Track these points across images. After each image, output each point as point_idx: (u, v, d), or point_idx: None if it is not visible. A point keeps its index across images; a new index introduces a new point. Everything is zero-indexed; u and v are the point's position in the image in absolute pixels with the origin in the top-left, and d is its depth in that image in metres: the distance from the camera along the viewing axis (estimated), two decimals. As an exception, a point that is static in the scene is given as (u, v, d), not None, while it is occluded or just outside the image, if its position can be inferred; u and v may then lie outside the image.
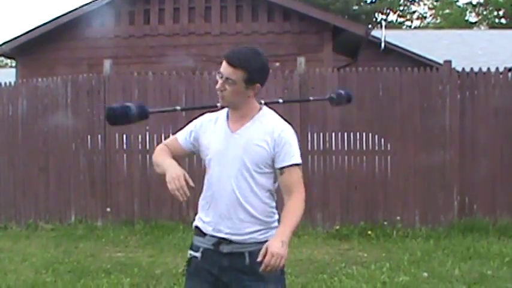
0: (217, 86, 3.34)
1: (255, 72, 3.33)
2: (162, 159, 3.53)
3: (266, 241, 3.19)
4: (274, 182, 3.42)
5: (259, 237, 3.35)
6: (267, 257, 3.05)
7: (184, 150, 3.62)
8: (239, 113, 3.40)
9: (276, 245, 3.08)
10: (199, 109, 3.78)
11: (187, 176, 3.29)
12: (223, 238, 3.35)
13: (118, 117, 3.59)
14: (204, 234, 3.41)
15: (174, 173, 3.29)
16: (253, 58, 3.34)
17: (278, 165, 3.34)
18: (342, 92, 4.29)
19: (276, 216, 3.44)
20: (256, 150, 3.34)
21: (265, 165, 3.35)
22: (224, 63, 3.33)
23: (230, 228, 3.34)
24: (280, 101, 3.97)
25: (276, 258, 3.05)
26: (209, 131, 3.48)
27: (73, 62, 14.27)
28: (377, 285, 7.01)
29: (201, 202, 3.51)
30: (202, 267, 3.39)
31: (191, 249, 3.48)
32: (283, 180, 3.34)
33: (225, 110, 3.48)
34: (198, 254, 3.42)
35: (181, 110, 3.66)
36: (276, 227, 3.35)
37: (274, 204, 3.45)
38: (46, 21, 14.80)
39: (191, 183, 3.27)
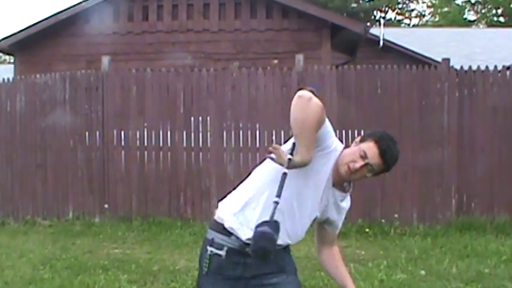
0: (356, 167, 3.27)
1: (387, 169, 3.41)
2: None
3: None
4: None
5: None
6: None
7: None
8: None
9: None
10: None
11: None
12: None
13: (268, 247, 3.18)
14: (229, 234, 3.30)
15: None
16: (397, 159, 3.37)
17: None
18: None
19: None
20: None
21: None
22: (377, 152, 3.31)
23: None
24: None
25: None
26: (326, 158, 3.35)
27: (71, 59, 14.27)
28: (374, 283, 7.01)
29: (248, 213, 3.29)
30: (226, 265, 3.32)
31: (211, 246, 3.34)
32: None
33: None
34: (222, 253, 3.30)
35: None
36: None
37: None
38: (44, 17, 14.80)
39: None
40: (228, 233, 3.32)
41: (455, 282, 7.06)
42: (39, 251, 8.79)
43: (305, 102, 3.11)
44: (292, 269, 3.43)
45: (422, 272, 7.45)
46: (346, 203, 3.51)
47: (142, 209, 10.50)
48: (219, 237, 3.35)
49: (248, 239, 3.16)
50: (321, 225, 3.57)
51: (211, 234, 3.38)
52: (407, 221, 9.96)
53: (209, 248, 3.36)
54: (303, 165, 3.11)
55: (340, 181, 3.38)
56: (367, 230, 9.69)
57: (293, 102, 3.11)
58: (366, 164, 3.27)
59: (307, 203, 3.30)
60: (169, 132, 10.59)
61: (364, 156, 3.26)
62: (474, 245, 8.78)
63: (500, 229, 9.65)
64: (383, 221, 9.93)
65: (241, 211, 3.30)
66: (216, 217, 3.41)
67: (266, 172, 3.32)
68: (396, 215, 9.97)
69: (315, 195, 3.31)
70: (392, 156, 3.31)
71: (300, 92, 3.14)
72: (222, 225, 3.34)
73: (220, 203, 3.48)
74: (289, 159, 3.08)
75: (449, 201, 10.05)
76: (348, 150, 3.34)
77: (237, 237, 3.29)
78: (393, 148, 3.32)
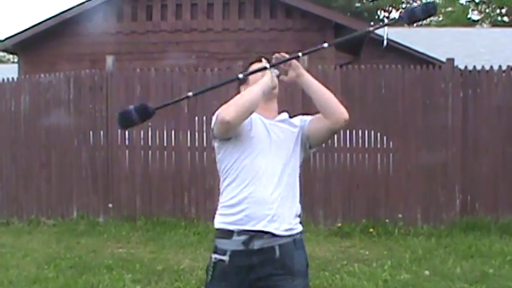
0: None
1: None
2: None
3: (294, 234, 3.40)
4: None
5: (292, 222, 3.44)
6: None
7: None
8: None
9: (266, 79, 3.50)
10: (211, 89, 3.72)
11: None
12: (257, 231, 3.27)
13: (123, 122, 3.66)
14: (229, 236, 3.31)
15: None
16: None
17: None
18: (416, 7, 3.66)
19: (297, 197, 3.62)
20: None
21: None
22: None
23: (267, 220, 3.30)
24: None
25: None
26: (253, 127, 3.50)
27: (75, 58, 14.27)
28: (378, 283, 7.01)
29: (230, 202, 3.38)
30: (230, 271, 3.30)
31: (215, 253, 3.36)
32: None
33: None
34: (225, 258, 3.30)
35: (194, 95, 3.58)
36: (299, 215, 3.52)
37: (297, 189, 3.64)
38: (48, 17, 14.81)
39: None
40: (227, 234, 3.32)
41: (459, 283, 7.05)
42: (43, 250, 8.81)
43: None
44: (301, 269, 3.36)
45: (427, 272, 7.45)
46: (291, 120, 3.62)
47: (146, 209, 10.50)
48: (221, 243, 3.36)
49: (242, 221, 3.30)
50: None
51: (215, 242, 3.40)
52: (411, 221, 9.95)
53: (213, 256, 3.38)
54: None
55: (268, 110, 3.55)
56: (371, 230, 9.68)
57: None
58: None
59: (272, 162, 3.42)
60: (173, 132, 10.60)
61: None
62: (478, 245, 8.77)
63: (504, 229, 9.63)
64: (387, 221, 9.92)
65: (226, 205, 3.40)
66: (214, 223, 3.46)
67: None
68: (400, 215, 9.97)
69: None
70: None
71: None
72: (218, 229, 3.38)
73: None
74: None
75: (453, 202, 10.05)
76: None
77: (238, 231, 3.29)
78: None
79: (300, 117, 3.59)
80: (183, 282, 7.14)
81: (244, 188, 3.32)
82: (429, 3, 3.55)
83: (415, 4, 48.32)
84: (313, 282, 7.02)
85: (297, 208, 3.53)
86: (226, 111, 3.24)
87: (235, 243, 3.29)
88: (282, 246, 3.29)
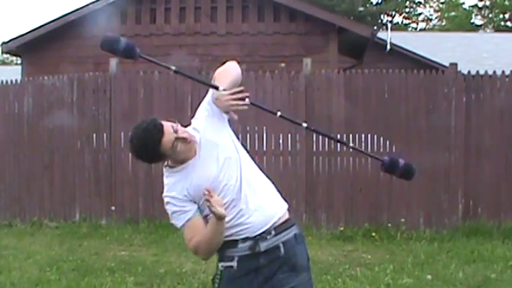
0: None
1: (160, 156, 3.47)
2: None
3: (291, 226, 3.43)
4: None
5: (278, 203, 3.46)
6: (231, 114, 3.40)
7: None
8: None
9: (219, 105, 3.41)
10: (195, 80, 3.74)
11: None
12: (260, 234, 3.32)
13: (105, 45, 3.63)
14: (235, 244, 3.34)
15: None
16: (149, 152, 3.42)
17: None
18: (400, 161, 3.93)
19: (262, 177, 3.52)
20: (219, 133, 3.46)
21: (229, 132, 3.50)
22: None
23: (261, 221, 3.34)
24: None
25: (230, 105, 3.39)
26: (185, 183, 3.49)
27: (79, 60, 14.29)
28: (380, 287, 7.01)
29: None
30: (238, 275, 3.34)
31: (222, 261, 3.39)
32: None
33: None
34: (233, 263, 3.34)
35: (175, 72, 3.64)
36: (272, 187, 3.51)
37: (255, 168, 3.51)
38: (52, 19, 14.85)
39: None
40: (232, 244, 3.36)
41: (461, 287, 7.06)
42: (46, 252, 8.82)
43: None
44: (303, 264, 3.44)
45: (429, 277, 7.44)
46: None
47: (149, 211, 10.50)
48: (227, 251, 3.38)
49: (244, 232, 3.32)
50: None
51: (220, 252, 3.42)
52: (413, 226, 9.95)
53: (219, 264, 3.41)
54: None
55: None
56: (373, 234, 9.68)
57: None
58: None
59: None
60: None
61: None
62: (481, 250, 8.76)
63: (507, 234, 9.62)
64: (389, 225, 9.92)
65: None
66: None
67: None
68: (403, 220, 9.96)
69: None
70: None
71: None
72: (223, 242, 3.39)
73: None
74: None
75: (456, 206, 10.04)
76: None
77: (243, 239, 3.33)
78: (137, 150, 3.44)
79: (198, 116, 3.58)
80: (185, 285, 7.15)
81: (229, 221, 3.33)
82: (411, 168, 3.89)
83: (418, 9, 48.43)
84: (315, 286, 7.02)
85: (272, 193, 3.51)
86: (201, 251, 3.35)
87: (241, 249, 3.34)
88: (285, 243, 3.36)
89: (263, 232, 3.32)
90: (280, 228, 3.38)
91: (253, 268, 3.32)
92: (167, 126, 3.27)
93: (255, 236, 3.32)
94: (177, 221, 3.52)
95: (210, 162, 3.33)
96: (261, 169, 3.54)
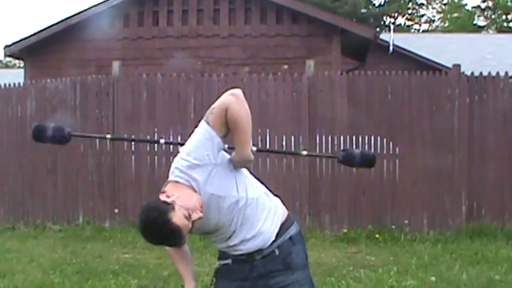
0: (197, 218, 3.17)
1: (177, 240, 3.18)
2: (178, 268, 3.64)
3: (288, 229, 3.40)
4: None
5: (275, 221, 3.38)
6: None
7: None
8: None
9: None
10: (130, 141, 3.70)
11: None
12: (255, 251, 3.36)
13: (35, 134, 3.73)
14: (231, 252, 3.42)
15: None
16: (162, 230, 3.10)
17: (218, 147, 3.27)
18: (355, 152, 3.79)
19: (260, 193, 3.43)
20: (221, 181, 3.27)
21: (230, 172, 3.32)
22: None
23: (258, 243, 3.34)
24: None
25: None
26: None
27: (81, 63, 14.31)
28: (384, 289, 7.02)
29: (218, 245, 3.45)
30: (233, 269, 3.40)
31: (219, 259, 3.46)
32: (224, 131, 3.27)
33: None
34: (228, 261, 3.41)
35: (111, 139, 3.62)
36: (270, 201, 3.43)
37: (255, 190, 3.41)
38: (55, 22, 14.87)
39: None
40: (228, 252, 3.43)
41: (465, 289, 7.06)
42: (49, 255, 8.82)
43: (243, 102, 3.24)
44: (299, 262, 3.43)
45: (433, 279, 7.42)
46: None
47: (152, 214, 10.48)
48: (224, 253, 3.45)
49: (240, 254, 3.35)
50: None
51: (219, 252, 3.48)
52: (417, 227, 9.94)
53: (217, 263, 3.48)
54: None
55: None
56: (377, 236, 9.67)
57: (237, 103, 3.20)
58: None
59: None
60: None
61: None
62: (485, 252, 8.74)
63: (511, 236, 9.60)
64: (393, 227, 9.91)
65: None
66: None
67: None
68: (406, 221, 9.95)
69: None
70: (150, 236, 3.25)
71: (236, 91, 3.24)
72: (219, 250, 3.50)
73: None
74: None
75: (459, 208, 10.02)
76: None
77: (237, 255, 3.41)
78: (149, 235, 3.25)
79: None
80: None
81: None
82: (369, 155, 3.75)
83: (421, 11, 48.43)
84: (319, 288, 7.03)
85: (267, 207, 3.42)
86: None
87: (237, 254, 3.38)
88: (280, 246, 3.37)
89: (259, 249, 3.36)
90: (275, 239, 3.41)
91: (247, 266, 3.37)
92: (179, 219, 3.06)
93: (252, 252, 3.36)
94: None
95: (212, 213, 3.25)
96: (264, 183, 3.53)
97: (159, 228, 3.08)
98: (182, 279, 3.61)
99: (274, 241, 3.36)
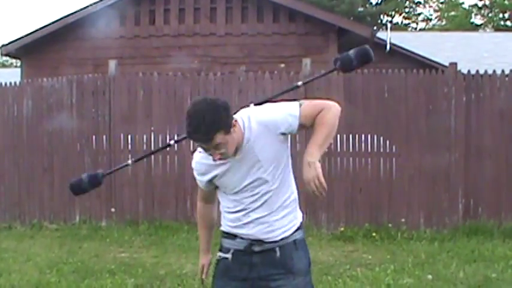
0: (216, 158, 3.22)
1: (227, 122, 3.16)
2: (200, 234, 3.85)
3: (294, 232, 3.44)
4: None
5: (287, 230, 3.42)
6: (307, 186, 3.12)
7: (215, 189, 3.55)
8: None
9: (305, 171, 3.18)
10: (153, 153, 3.72)
11: (205, 268, 3.78)
12: (256, 240, 3.39)
13: (75, 190, 3.90)
14: (233, 237, 3.44)
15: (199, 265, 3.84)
16: (213, 119, 3.12)
17: (291, 128, 3.31)
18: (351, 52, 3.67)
19: (294, 195, 3.52)
20: (268, 151, 3.32)
21: (281, 156, 3.39)
22: (198, 142, 3.26)
23: (265, 232, 3.37)
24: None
25: (311, 181, 3.15)
26: (214, 171, 3.42)
27: (78, 62, 14.30)
28: (381, 287, 7.00)
29: (229, 216, 3.46)
30: (232, 267, 3.43)
31: (220, 251, 3.51)
32: (304, 122, 3.31)
33: (200, 151, 3.44)
34: (228, 255, 3.45)
35: (135, 161, 3.64)
36: (297, 208, 3.54)
37: (292, 188, 3.51)
38: (51, 21, 14.85)
39: (204, 276, 3.80)
40: (232, 236, 3.45)
41: (462, 287, 7.05)
42: (45, 254, 8.81)
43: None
44: (301, 268, 3.45)
45: (429, 277, 7.43)
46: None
47: (149, 213, 10.50)
48: (225, 242, 3.50)
49: (243, 235, 3.39)
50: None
51: (221, 241, 3.54)
52: (414, 226, 9.94)
53: (218, 253, 3.53)
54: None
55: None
56: (374, 234, 9.67)
57: (331, 115, 3.27)
58: (215, 147, 3.19)
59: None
60: (176, 136, 10.58)
61: (206, 149, 3.24)
62: (481, 250, 8.75)
63: (507, 234, 9.61)
64: (390, 225, 9.91)
65: (226, 214, 3.48)
66: (220, 224, 3.56)
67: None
68: (403, 220, 9.95)
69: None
70: (194, 126, 3.21)
71: (331, 105, 3.32)
72: (224, 231, 3.51)
73: None
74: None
75: (456, 206, 10.03)
76: None
77: (242, 238, 3.41)
78: (196, 125, 3.20)
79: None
80: (185, 286, 7.14)
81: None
82: (363, 49, 3.68)
83: (418, 9, 48.45)
84: (315, 287, 7.01)
85: (288, 198, 3.48)
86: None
87: (238, 244, 3.43)
88: (282, 247, 3.40)
89: (261, 240, 3.39)
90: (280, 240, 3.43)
91: (247, 263, 3.40)
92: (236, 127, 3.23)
93: (253, 240, 3.39)
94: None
95: (241, 172, 3.32)
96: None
97: (218, 101, 3.19)
98: (200, 247, 3.83)
99: (278, 240, 3.38)
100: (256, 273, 3.38)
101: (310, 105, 3.31)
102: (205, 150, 3.23)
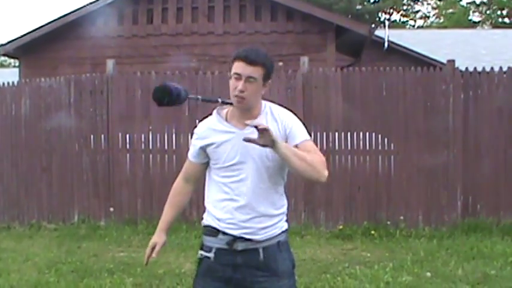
0: (239, 88, 3.30)
1: (271, 68, 3.37)
2: (165, 212, 3.84)
3: (278, 235, 3.42)
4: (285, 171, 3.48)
5: (272, 231, 3.41)
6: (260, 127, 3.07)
7: (202, 166, 3.59)
8: (250, 113, 3.38)
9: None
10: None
11: (157, 247, 3.71)
12: (238, 237, 3.36)
13: (159, 95, 3.61)
14: (215, 234, 3.42)
15: (149, 243, 3.74)
16: (266, 55, 3.39)
17: (291, 144, 3.34)
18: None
19: (285, 207, 3.53)
20: None
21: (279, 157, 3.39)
22: (240, 63, 3.32)
23: (248, 227, 3.37)
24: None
25: (265, 132, 3.07)
26: (214, 138, 3.45)
27: (76, 62, 14.28)
28: (380, 285, 7.01)
29: (217, 204, 3.45)
30: (215, 267, 3.41)
31: (202, 249, 3.49)
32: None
33: (215, 114, 3.53)
34: (210, 255, 3.43)
35: (222, 103, 3.53)
36: (284, 219, 3.51)
37: (283, 199, 3.52)
38: (49, 20, 14.83)
39: (154, 255, 3.71)
40: (213, 232, 3.43)
41: (461, 284, 7.05)
42: (44, 254, 8.81)
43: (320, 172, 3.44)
44: (285, 270, 3.46)
45: (428, 274, 7.44)
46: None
47: (147, 212, 10.49)
48: (207, 240, 3.48)
49: (220, 220, 3.40)
50: None
51: (202, 238, 3.53)
52: (413, 223, 9.94)
53: (200, 252, 3.51)
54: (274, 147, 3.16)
55: (239, 119, 3.41)
56: (372, 232, 9.67)
57: (316, 162, 3.37)
58: (245, 79, 3.31)
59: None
60: (174, 135, 10.59)
61: (237, 77, 3.33)
62: (480, 247, 8.75)
63: (506, 231, 9.62)
64: (388, 223, 9.91)
65: (207, 203, 3.51)
66: (202, 220, 3.56)
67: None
68: (402, 217, 9.95)
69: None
70: (247, 50, 3.38)
71: (323, 160, 3.45)
72: (205, 226, 3.50)
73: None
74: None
75: (455, 203, 10.03)
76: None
77: (224, 233, 3.38)
78: (248, 49, 3.42)
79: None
80: (184, 285, 7.14)
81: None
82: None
83: (416, 7, 48.48)
84: (314, 285, 7.03)
85: (271, 209, 3.47)
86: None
87: (220, 241, 3.41)
88: (265, 248, 3.39)
89: (244, 238, 3.37)
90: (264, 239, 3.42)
91: (230, 264, 3.38)
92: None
93: (235, 236, 3.37)
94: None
95: (240, 147, 3.35)
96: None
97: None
98: (159, 225, 3.82)
99: (262, 240, 3.38)
100: (240, 274, 3.36)
101: (312, 149, 3.40)
102: (237, 77, 3.34)
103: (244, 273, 3.35)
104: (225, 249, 3.38)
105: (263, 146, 3.10)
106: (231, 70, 3.36)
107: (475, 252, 8.54)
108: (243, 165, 3.35)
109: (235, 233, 3.36)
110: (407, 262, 7.99)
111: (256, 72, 3.29)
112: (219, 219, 3.41)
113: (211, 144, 3.44)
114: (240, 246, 3.36)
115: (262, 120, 3.29)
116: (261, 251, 3.36)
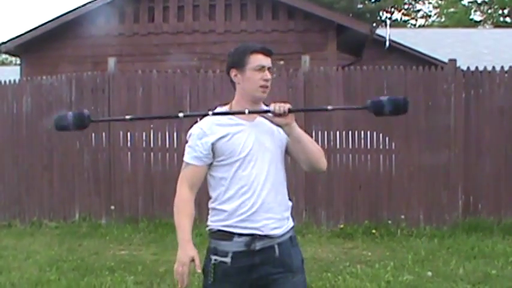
0: (268, 77, 3.48)
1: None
2: (178, 223, 3.60)
3: (290, 229, 3.45)
4: None
5: (285, 226, 3.44)
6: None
7: (206, 169, 3.55)
8: (257, 104, 3.50)
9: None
10: (156, 118, 3.64)
11: (197, 260, 3.35)
12: (256, 235, 3.33)
13: (57, 124, 3.73)
14: (230, 237, 3.34)
15: (179, 262, 3.42)
16: None
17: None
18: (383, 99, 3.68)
19: (290, 203, 3.57)
20: (279, 135, 3.47)
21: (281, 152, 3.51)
22: (260, 55, 3.49)
23: (268, 219, 3.36)
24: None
25: (282, 107, 3.35)
26: (225, 130, 3.43)
27: (77, 60, 14.29)
28: (381, 284, 7.00)
29: (229, 202, 3.41)
30: (232, 272, 3.33)
31: (216, 254, 3.38)
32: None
33: (218, 111, 3.53)
34: (227, 259, 3.33)
35: (131, 119, 3.56)
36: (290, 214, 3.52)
37: (287, 197, 3.55)
38: (50, 19, 14.83)
39: (198, 270, 3.38)
40: (226, 236, 3.36)
41: (462, 284, 7.04)
42: (45, 252, 8.81)
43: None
44: (299, 266, 3.45)
45: (429, 273, 7.43)
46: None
47: (148, 210, 10.49)
48: (220, 244, 3.39)
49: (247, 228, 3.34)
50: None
51: (213, 243, 3.43)
52: (414, 222, 9.94)
53: (213, 257, 3.40)
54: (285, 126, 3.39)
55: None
56: (373, 231, 9.67)
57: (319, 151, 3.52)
58: (269, 69, 3.50)
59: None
60: (175, 134, 10.59)
61: (262, 68, 3.47)
62: (481, 246, 8.75)
63: (507, 230, 9.62)
64: (390, 222, 9.91)
65: (215, 205, 3.50)
66: (209, 225, 3.50)
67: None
68: (403, 216, 9.95)
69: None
70: (257, 44, 3.62)
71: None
72: (218, 230, 3.41)
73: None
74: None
75: (456, 202, 10.02)
76: (247, 84, 3.52)
77: (240, 234, 3.33)
78: (255, 43, 3.67)
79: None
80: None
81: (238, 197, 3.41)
82: (398, 99, 3.66)
83: (417, 6, 48.42)
84: (315, 284, 7.02)
85: (286, 200, 3.52)
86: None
87: (236, 245, 3.34)
88: (280, 244, 3.37)
89: (261, 235, 3.34)
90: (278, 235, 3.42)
91: (247, 266, 3.32)
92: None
93: (253, 234, 3.33)
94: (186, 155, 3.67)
95: (253, 135, 3.41)
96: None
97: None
98: (185, 237, 3.46)
99: (277, 236, 3.37)
100: (256, 273, 3.32)
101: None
102: (261, 69, 3.47)
103: (260, 272, 3.32)
104: (243, 251, 3.31)
105: (280, 125, 3.32)
106: (241, 64, 3.50)
107: (476, 251, 8.54)
108: (257, 156, 3.37)
109: (252, 231, 3.32)
110: (408, 261, 7.99)
111: (271, 62, 3.52)
112: (232, 219, 3.36)
113: (224, 136, 3.40)
114: (258, 245, 3.31)
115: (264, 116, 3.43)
116: (276, 247, 3.34)
